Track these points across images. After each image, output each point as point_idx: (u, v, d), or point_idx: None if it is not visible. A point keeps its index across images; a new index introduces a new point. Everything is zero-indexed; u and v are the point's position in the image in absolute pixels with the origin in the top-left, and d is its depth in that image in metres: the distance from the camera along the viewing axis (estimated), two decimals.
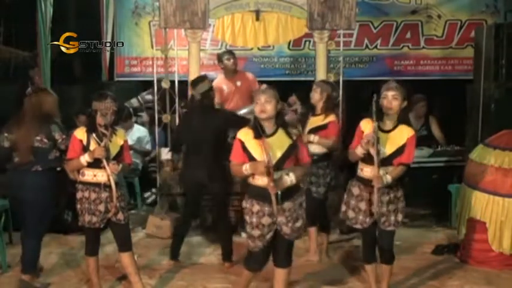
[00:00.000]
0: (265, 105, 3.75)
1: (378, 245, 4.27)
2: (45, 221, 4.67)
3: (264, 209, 3.80)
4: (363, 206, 4.12)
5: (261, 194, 3.77)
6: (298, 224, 3.88)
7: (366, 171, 4.09)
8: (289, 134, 3.81)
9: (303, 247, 5.58)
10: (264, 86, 3.93)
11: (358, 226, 4.19)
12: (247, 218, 3.88)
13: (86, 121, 4.43)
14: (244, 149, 3.80)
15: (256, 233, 3.84)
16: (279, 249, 3.94)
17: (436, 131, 6.97)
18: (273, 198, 3.69)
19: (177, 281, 4.81)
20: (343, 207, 4.28)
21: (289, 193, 3.80)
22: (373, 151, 3.94)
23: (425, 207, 6.60)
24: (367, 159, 4.04)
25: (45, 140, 4.51)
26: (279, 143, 3.77)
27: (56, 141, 4.54)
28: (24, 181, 4.48)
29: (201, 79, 5.24)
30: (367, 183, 4.08)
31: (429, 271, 4.98)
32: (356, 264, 5.09)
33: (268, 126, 3.80)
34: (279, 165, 3.74)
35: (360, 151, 4.02)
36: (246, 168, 3.74)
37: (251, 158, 3.76)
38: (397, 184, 4.10)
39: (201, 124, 5.01)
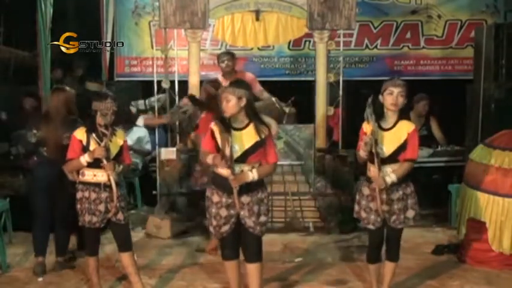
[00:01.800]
0: (225, 104, 3.81)
1: (385, 242, 4.25)
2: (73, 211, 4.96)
3: (222, 200, 3.89)
4: (373, 205, 4.11)
5: (222, 184, 3.86)
6: (262, 219, 3.92)
7: (373, 171, 4.07)
8: (258, 131, 3.85)
9: (302, 247, 5.60)
10: (227, 84, 3.88)
11: (370, 226, 4.15)
12: (207, 207, 3.99)
13: (86, 121, 4.42)
14: (214, 137, 3.88)
15: (213, 222, 3.94)
16: (246, 244, 3.99)
17: (436, 131, 6.97)
18: (234, 191, 3.79)
19: (177, 281, 4.81)
20: (356, 208, 4.25)
21: (248, 187, 3.85)
22: (373, 150, 3.94)
23: (425, 207, 6.58)
24: (373, 159, 4.03)
25: None
26: (246, 138, 3.84)
27: None
28: (55, 173, 4.73)
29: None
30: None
31: (429, 271, 4.98)
32: (356, 264, 5.09)
33: (239, 120, 3.87)
34: (242, 159, 3.82)
35: (362, 153, 4.03)
36: (209, 158, 3.84)
37: (218, 147, 3.85)
38: (406, 181, 4.09)
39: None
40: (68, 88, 5.20)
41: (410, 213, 4.14)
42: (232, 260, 4.08)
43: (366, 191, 4.15)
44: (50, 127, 4.88)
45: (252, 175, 3.83)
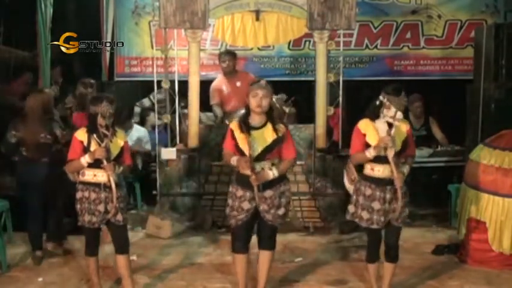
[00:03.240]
0: (262, 101, 4.03)
1: (385, 243, 4.27)
2: (60, 200, 5.35)
3: (246, 194, 4.10)
4: (376, 205, 4.11)
5: (245, 182, 4.05)
6: (280, 211, 4.14)
7: (378, 170, 4.09)
8: (275, 129, 4.07)
9: (302, 247, 5.60)
10: (263, 81, 4.11)
11: (375, 226, 4.15)
12: (229, 201, 4.19)
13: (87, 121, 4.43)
14: (234, 138, 4.11)
15: (233, 214, 4.16)
16: (263, 234, 4.22)
17: (437, 132, 6.97)
18: (255, 189, 4.00)
19: (177, 281, 4.81)
20: (352, 209, 4.26)
21: (271, 182, 4.07)
22: (389, 153, 3.98)
23: (425, 207, 6.60)
24: (377, 159, 4.06)
25: (49, 136, 5.15)
26: (265, 136, 4.05)
27: (57, 137, 5.20)
28: (36, 171, 5.12)
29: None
30: (378, 182, 4.09)
31: (429, 271, 4.98)
32: (356, 264, 5.09)
33: (258, 120, 4.09)
34: (261, 157, 4.03)
35: (372, 154, 4.04)
36: (233, 160, 4.06)
37: (237, 147, 4.09)
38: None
39: None
40: (46, 90, 5.52)
41: (407, 211, 4.21)
42: (241, 253, 4.24)
43: (367, 191, 4.15)
44: (28, 127, 5.13)
45: (273, 172, 4.05)
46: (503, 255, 5.00)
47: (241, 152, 4.05)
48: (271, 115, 4.12)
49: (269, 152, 4.05)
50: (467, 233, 5.19)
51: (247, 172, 3.97)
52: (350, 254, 5.41)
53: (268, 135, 4.05)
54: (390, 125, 4.03)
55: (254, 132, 4.04)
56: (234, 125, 4.15)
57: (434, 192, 6.61)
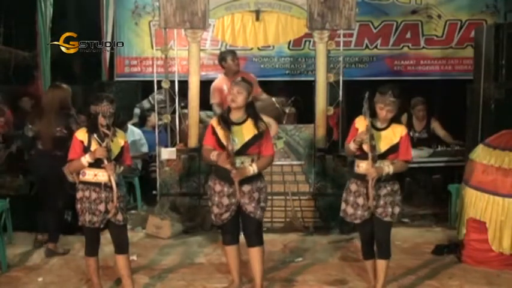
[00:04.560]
0: (236, 96, 4.16)
1: (375, 239, 4.29)
2: (64, 197, 5.27)
3: (224, 189, 4.22)
4: (360, 201, 4.19)
5: (223, 176, 4.17)
6: (262, 204, 4.26)
7: (362, 167, 4.16)
8: (256, 126, 4.19)
9: (302, 247, 5.60)
10: (239, 78, 4.29)
11: (357, 221, 4.24)
12: (210, 196, 4.32)
13: (86, 121, 4.43)
14: (214, 133, 4.21)
15: (215, 210, 4.28)
16: (248, 230, 4.30)
17: (440, 131, 6.97)
18: (236, 184, 4.11)
19: (177, 281, 4.81)
20: (343, 205, 4.33)
21: (249, 178, 4.18)
22: (366, 147, 4.03)
23: (425, 207, 6.61)
24: (362, 155, 4.12)
25: (64, 131, 5.28)
26: (246, 131, 4.18)
27: (73, 131, 5.07)
28: (51, 164, 5.17)
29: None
30: (363, 178, 4.14)
31: (429, 271, 4.98)
32: (356, 264, 5.09)
33: (238, 115, 4.21)
34: (242, 151, 4.15)
35: (353, 146, 4.14)
36: (213, 155, 4.15)
37: (218, 142, 4.17)
38: (393, 178, 4.18)
39: None
40: (64, 85, 5.55)
41: (397, 210, 4.23)
42: (232, 245, 4.37)
43: (353, 187, 4.24)
44: (44, 121, 5.27)
45: (253, 169, 4.16)
46: (503, 255, 4.99)
47: (222, 147, 4.13)
48: (252, 111, 4.23)
49: (249, 147, 4.16)
50: (467, 233, 5.19)
51: (228, 167, 4.07)
52: (350, 254, 5.41)
53: (248, 130, 4.17)
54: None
55: (234, 128, 4.16)
56: (214, 121, 4.26)
57: (434, 192, 6.61)
